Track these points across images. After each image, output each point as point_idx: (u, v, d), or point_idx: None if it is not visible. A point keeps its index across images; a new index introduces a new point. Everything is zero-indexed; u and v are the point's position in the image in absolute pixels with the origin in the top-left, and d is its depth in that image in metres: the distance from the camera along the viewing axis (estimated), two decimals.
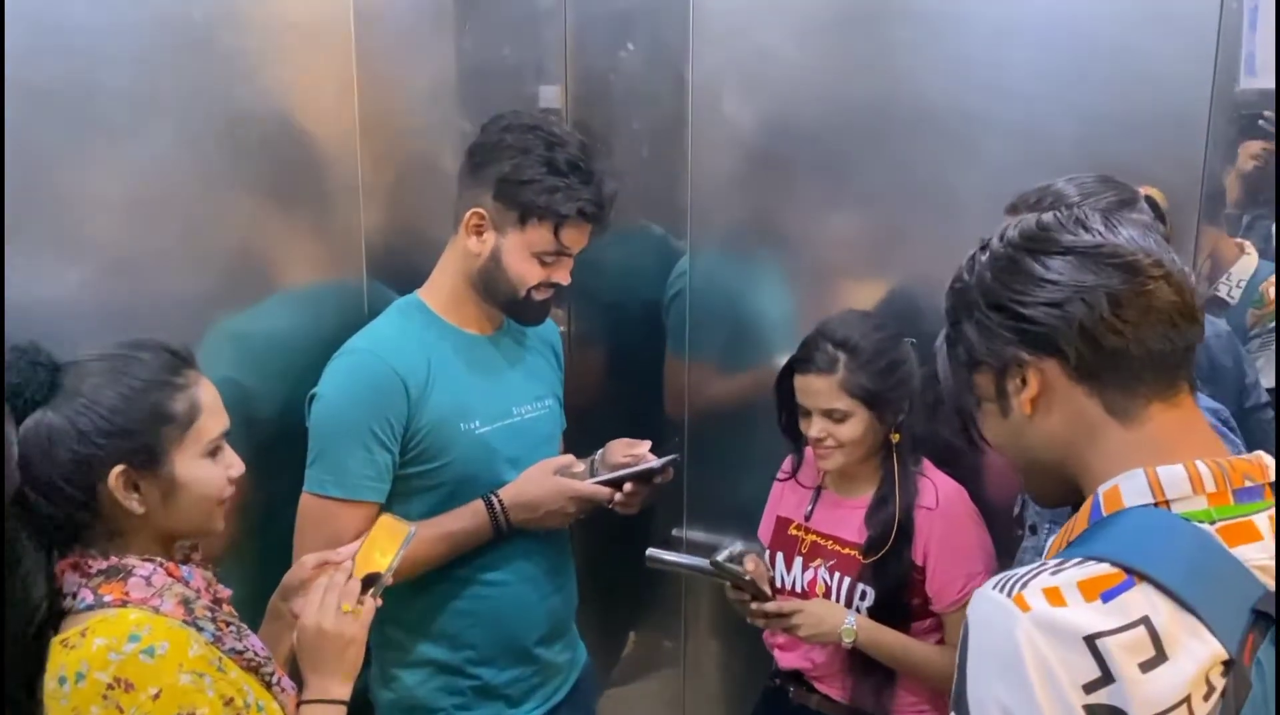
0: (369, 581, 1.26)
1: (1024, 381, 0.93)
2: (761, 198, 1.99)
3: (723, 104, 1.98)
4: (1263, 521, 0.87)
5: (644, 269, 2.16)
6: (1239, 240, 1.83)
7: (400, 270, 1.80)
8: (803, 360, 1.65)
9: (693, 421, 2.13)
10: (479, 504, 1.61)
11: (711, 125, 1.99)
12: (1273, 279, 1.84)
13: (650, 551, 1.74)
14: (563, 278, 1.63)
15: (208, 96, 1.51)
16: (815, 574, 1.72)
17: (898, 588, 1.63)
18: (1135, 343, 0.88)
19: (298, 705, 1.21)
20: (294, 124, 1.64)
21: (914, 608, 1.65)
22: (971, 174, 1.75)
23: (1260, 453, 0.92)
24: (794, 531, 1.77)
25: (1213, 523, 0.86)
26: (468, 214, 1.59)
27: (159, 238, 1.46)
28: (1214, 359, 1.64)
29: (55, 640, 1.07)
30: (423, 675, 1.66)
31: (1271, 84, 1.60)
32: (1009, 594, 0.83)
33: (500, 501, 1.61)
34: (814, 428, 1.64)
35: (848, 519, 1.70)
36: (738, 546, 2.06)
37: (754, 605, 1.67)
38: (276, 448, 1.59)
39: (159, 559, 1.15)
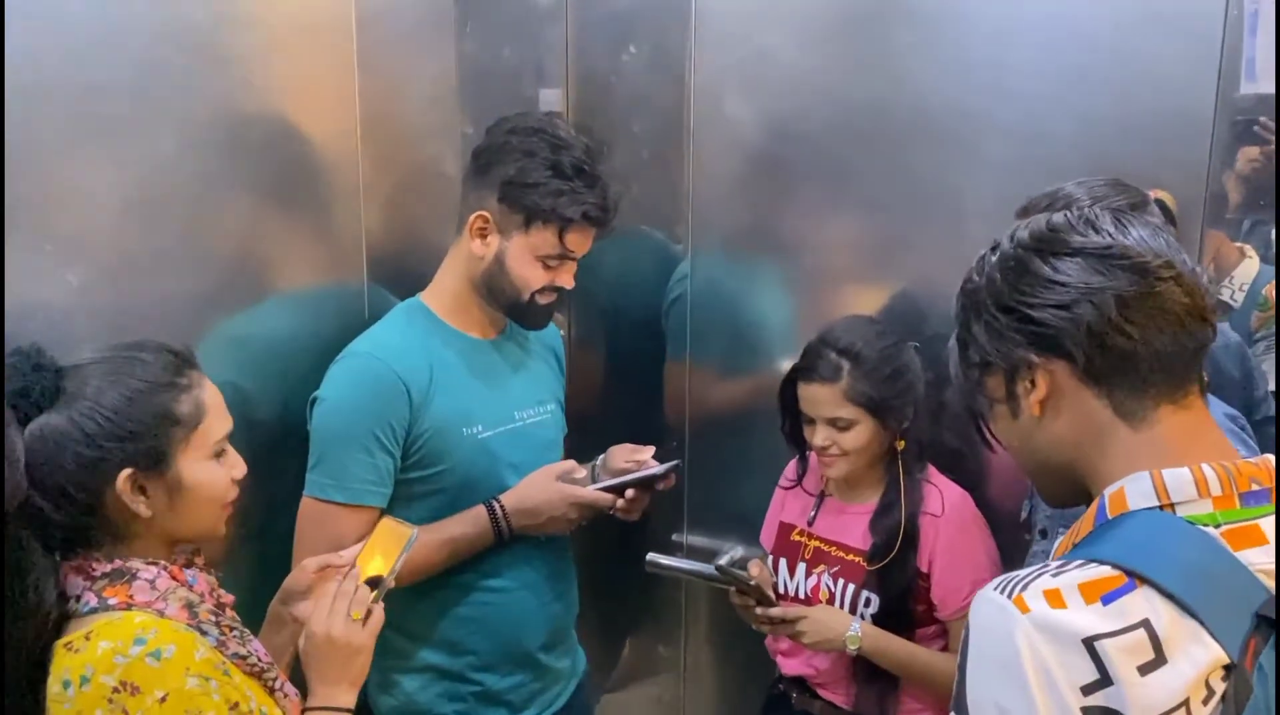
0: (371, 585, 1.26)
1: (1033, 383, 0.93)
2: (762, 201, 1.99)
3: (724, 107, 1.98)
4: (1269, 525, 0.87)
5: (644, 273, 2.15)
6: (1240, 244, 1.83)
7: (401, 273, 1.79)
8: (806, 369, 1.64)
9: (693, 426, 2.13)
10: (481, 509, 1.61)
11: (713, 128, 1.99)
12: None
13: (650, 557, 1.74)
14: (566, 282, 1.63)
15: (208, 98, 1.50)
16: (819, 580, 1.71)
17: (902, 595, 1.63)
18: (1144, 345, 0.88)
19: (302, 712, 1.20)
20: (295, 126, 1.64)
21: (918, 614, 1.64)
22: (973, 177, 1.75)
23: (1268, 456, 0.92)
24: (797, 537, 1.77)
25: (1218, 526, 0.86)
26: (472, 217, 1.59)
27: (158, 239, 1.45)
28: (1219, 367, 1.62)
29: (58, 644, 1.06)
30: (423, 681, 1.66)
31: (1271, 89, 1.60)
32: (1009, 595, 0.83)
33: (502, 507, 1.61)
34: (818, 436, 1.64)
35: (851, 525, 1.70)
36: (738, 552, 2.05)
37: (759, 611, 1.66)
38: (276, 451, 1.58)
39: (163, 562, 1.14)
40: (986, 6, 1.73)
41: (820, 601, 1.70)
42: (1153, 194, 1.42)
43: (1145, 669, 0.80)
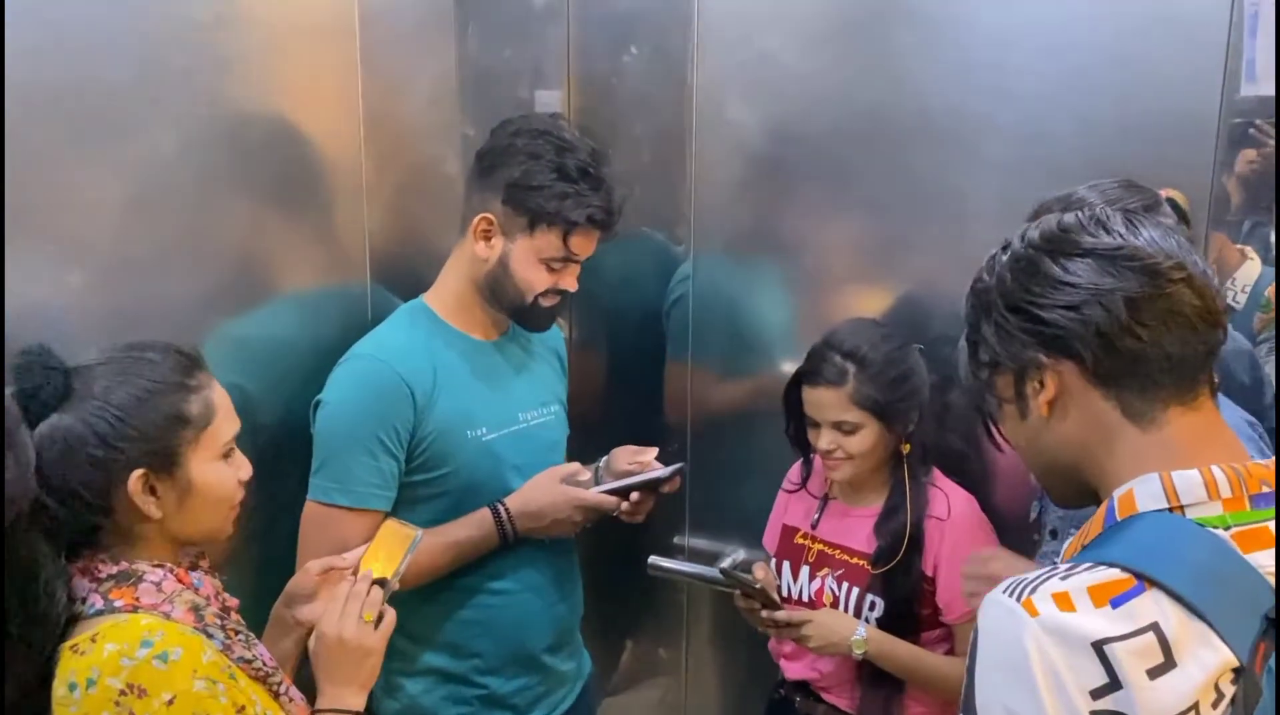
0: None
1: (1041, 384, 0.92)
2: (763, 202, 1.99)
3: (725, 109, 1.98)
4: None
5: (645, 275, 2.15)
6: (1241, 246, 1.83)
7: (404, 275, 1.78)
8: (811, 372, 1.63)
9: (694, 428, 2.13)
10: (485, 512, 1.60)
11: (714, 130, 1.99)
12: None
13: (652, 559, 1.74)
14: (570, 284, 1.62)
15: (210, 98, 1.49)
16: (823, 583, 1.70)
17: (908, 598, 1.62)
18: (1153, 346, 0.88)
19: (311, 713, 1.20)
20: (297, 127, 1.63)
21: (923, 618, 1.64)
22: (975, 179, 1.75)
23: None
24: (800, 540, 1.76)
25: (1228, 528, 0.85)
26: (476, 219, 1.58)
27: (160, 240, 1.44)
28: (1230, 373, 1.61)
29: (64, 646, 1.05)
30: (427, 684, 1.65)
31: (1271, 91, 1.60)
32: (1018, 598, 0.83)
33: (507, 510, 1.60)
34: (823, 440, 1.63)
35: (855, 528, 1.69)
36: (740, 554, 2.06)
37: (764, 614, 1.66)
38: (278, 453, 1.57)
39: (169, 565, 1.14)
40: (988, 9, 1.73)
41: (824, 605, 1.69)
42: (1164, 193, 1.42)
43: (1154, 672, 0.80)
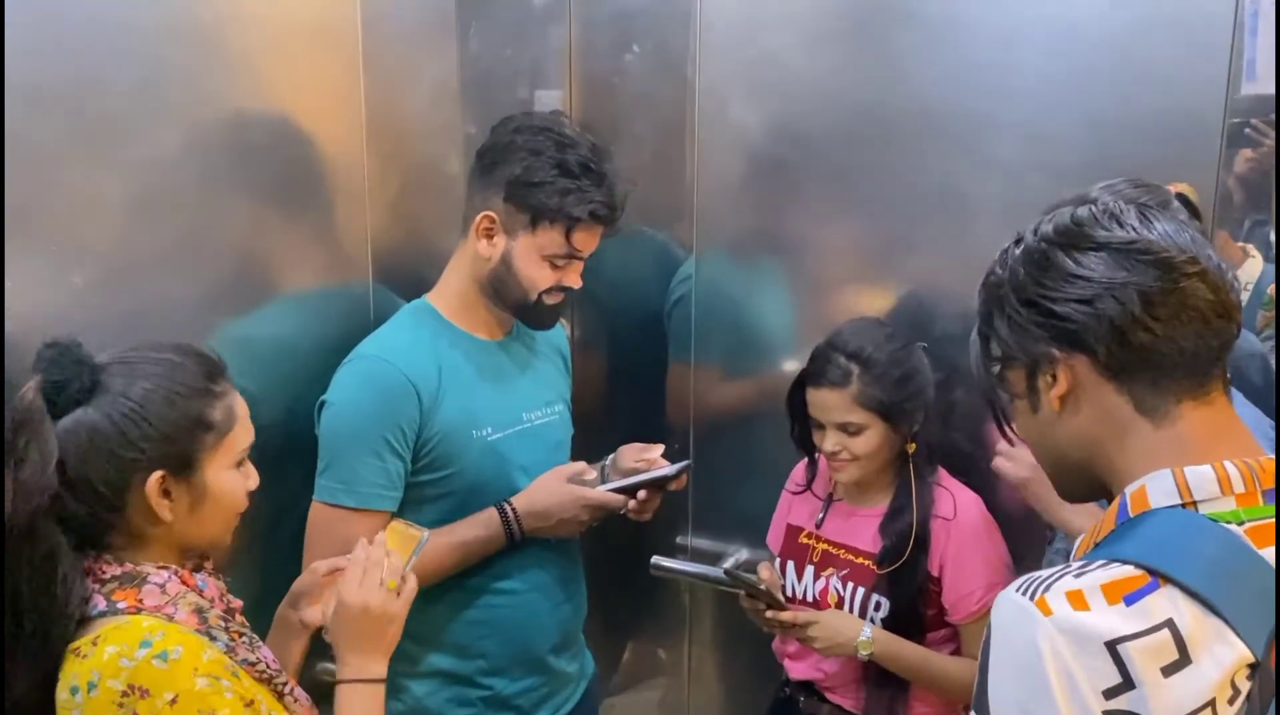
0: None
1: (1054, 378, 0.92)
2: (765, 202, 1.99)
3: (727, 108, 1.97)
4: None
5: (646, 275, 2.15)
6: (1242, 244, 1.84)
7: (406, 274, 1.78)
8: (815, 374, 1.63)
9: (697, 428, 2.12)
10: (492, 512, 1.60)
11: (716, 129, 1.99)
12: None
13: (655, 560, 1.73)
14: (574, 281, 1.62)
15: (213, 98, 1.49)
16: (827, 583, 1.70)
17: (913, 599, 1.62)
18: (1167, 341, 0.88)
19: (335, 684, 1.19)
20: (299, 126, 1.62)
21: (929, 618, 1.63)
22: (979, 178, 1.75)
23: None
24: (805, 540, 1.76)
25: (1241, 524, 0.85)
26: (478, 217, 1.58)
27: (162, 240, 1.43)
28: (1244, 375, 1.60)
29: (67, 648, 1.04)
30: (432, 686, 1.64)
31: (1271, 89, 1.60)
32: (1032, 597, 0.83)
33: (513, 510, 1.60)
34: (828, 441, 1.62)
35: (860, 528, 1.69)
36: (743, 554, 2.06)
37: (769, 614, 1.65)
38: (281, 454, 1.56)
39: (174, 567, 1.13)
40: (991, 8, 1.73)
41: (829, 604, 1.69)
42: (1173, 188, 1.41)
43: (1169, 670, 0.79)
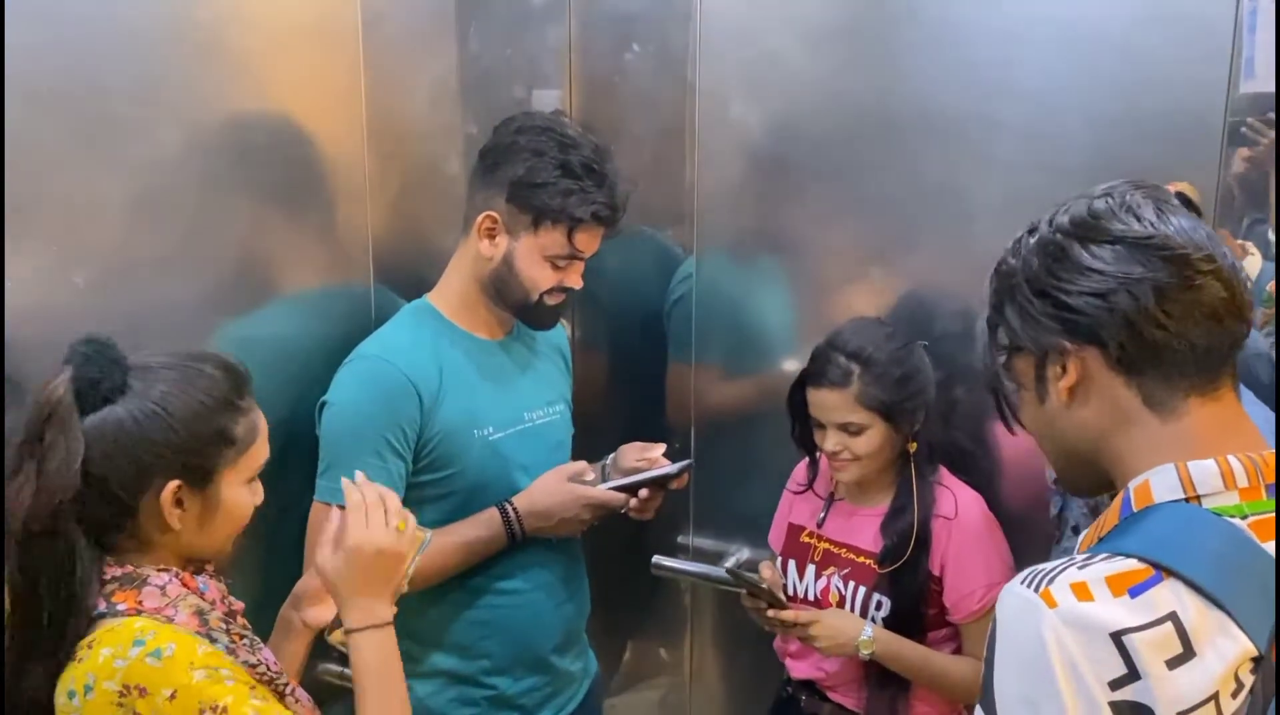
0: None
1: (1064, 369, 0.92)
2: (766, 201, 1.98)
3: (727, 107, 1.97)
4: None
5: (646, 275, 2.15)
6: (1241, 242, 1.84)
7: (407, 274, 1.78)
8: (815, 374, 1.63)
9: (698, 427, 2.12)
10: (493, 512, 1.60)
11: (716, 129, 1.99)
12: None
13: (656, 559, 1.73)
14: (575, 282, 1.62)
15: (213, 98, 1.48)
16: (828, 582, 1.70)
17: (915, 598, 1.61)
18: (1179, 337, 0.87)
19: (345, 633, 1.18)
20: (300, 126, 1.62)
21: (930, 617, 1.63)
22: (980, 177, 1.75)
23: None
24: (806, 539, 1.76)
25: (1244, 518, 0.85)
26: (479, 217, 1.57)
27: (162, 240, 1.43)
28: (1254, 375, 1.60)
29: None
30: (435, 686, 1.64)
31: (1271, 87, 1.60)
32: (1036, 589, 0.83)
33: (515, 509, 1.60)
34: (829, 441, 1.62)
35: (862, 527, 1.69)
36: (744, 554, 2.05)
37: (771, 614, 1.65)
38: (282, 454, 1.55)
39: (175, 569, 1.13)
40: (992, 8, 1.72)
41: (830, 604, 1.68)
42: (1173, 187, 1.41)
43: (1173, 663, 0.79)
